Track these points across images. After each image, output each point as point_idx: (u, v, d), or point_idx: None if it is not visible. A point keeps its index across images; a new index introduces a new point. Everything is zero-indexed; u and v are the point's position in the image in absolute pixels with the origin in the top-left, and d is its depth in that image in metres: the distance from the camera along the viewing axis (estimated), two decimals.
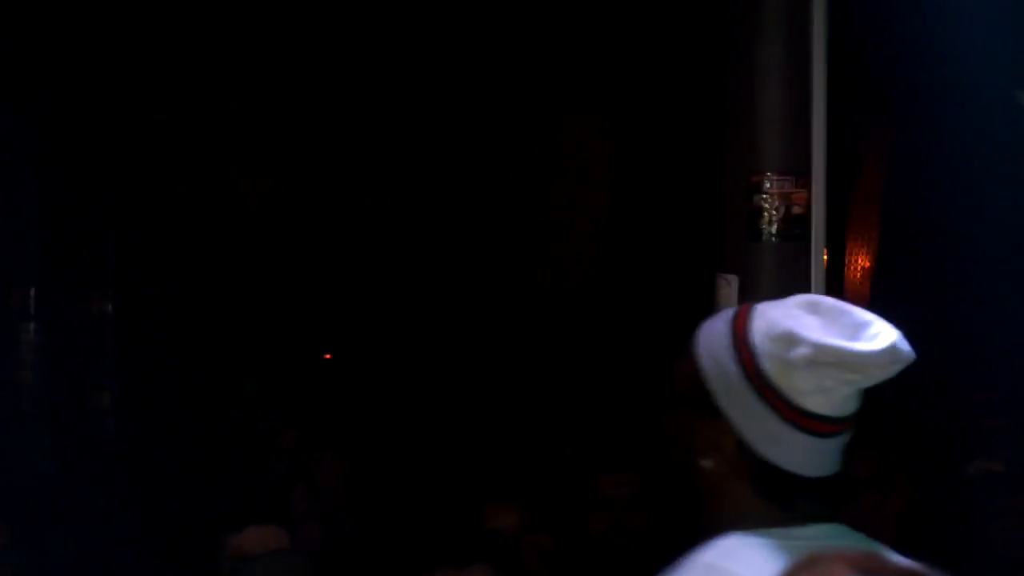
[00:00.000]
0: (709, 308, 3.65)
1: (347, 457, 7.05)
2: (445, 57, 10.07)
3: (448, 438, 8.98)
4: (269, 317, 10.53)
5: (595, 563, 4.60)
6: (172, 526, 6.33)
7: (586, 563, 4.64)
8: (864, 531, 2.47)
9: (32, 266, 8.69)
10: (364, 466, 7.19)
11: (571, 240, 10.68)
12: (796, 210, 4.10)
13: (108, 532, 6.51)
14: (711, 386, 2.41)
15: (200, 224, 10.35)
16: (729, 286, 4.09)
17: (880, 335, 2.35)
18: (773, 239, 4.09)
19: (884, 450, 4.43)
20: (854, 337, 2.35)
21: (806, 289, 3.98)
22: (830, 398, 2.36)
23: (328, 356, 10.74)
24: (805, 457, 2.38)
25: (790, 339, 2.35)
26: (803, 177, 4.10)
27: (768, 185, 4.08)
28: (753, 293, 3.99)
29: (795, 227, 4.10)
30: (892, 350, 2.33)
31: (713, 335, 2.45)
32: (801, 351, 2.34)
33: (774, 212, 4.08)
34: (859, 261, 9.51)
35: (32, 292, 8.64)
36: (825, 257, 4.18)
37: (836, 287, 8.69)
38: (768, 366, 2.36)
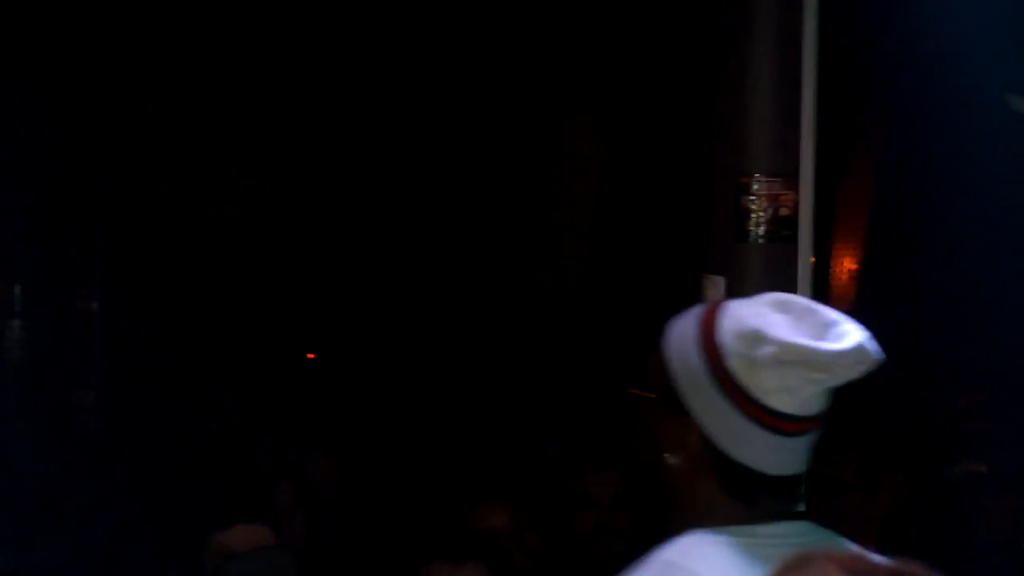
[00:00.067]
0: None
1: (337, 455, 7.05)
2: (438, 59, 10.07)
3: (433, 437, 8.98)
4: (259, 315, 10.53)
5: (581, 562, 4.60)
6: (157, 524, 6.31)
7: (572, 562, 4.64)
8: (849, 532, 2.47)
9: (18, 264, 8.67)
10: (354, 464, 7.19)
11: (558, 241, 10.68)
12: (784, 212, 4.09)
13: (93, 531, 6.50)
14: (678, 383, 2.41)
15: (188, 222, 10.34)
16: (716, 287, 4.08)
17: (848, 335, 2.35)
18: (761, 241, 4.08)
19: (868, 451, 4.43)
20: (821, 336, 2.35)
21: (793, 291, 3.98)
22: (795, 397, 2.36)
23: (311, 356, 10.73)
24: (770, 455, 2.38)
25: (756, 337, 2.35)
26: (791, 179, 4.09)
27: (756, 186, 4.08)
28: (740, 294, 3.97)
29: (783, 229, 4.09)
30: (859, 350, 2.33)
31: (681, 332, 2.45)
32: (767, 349, 2.34)
33: (762, 214, 4.08)
34: (846, 263, 9.52)
35: (17, 290, 8.63)
36: (813, 259, 4.18)
37: (823, 289, 8.70)
38: (734, 364, 2.37)
